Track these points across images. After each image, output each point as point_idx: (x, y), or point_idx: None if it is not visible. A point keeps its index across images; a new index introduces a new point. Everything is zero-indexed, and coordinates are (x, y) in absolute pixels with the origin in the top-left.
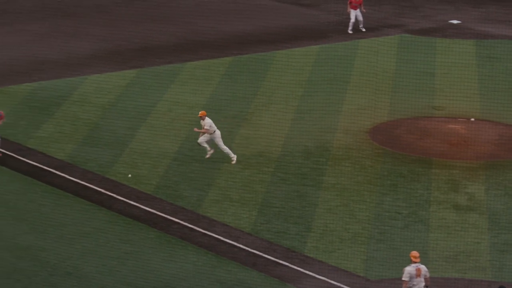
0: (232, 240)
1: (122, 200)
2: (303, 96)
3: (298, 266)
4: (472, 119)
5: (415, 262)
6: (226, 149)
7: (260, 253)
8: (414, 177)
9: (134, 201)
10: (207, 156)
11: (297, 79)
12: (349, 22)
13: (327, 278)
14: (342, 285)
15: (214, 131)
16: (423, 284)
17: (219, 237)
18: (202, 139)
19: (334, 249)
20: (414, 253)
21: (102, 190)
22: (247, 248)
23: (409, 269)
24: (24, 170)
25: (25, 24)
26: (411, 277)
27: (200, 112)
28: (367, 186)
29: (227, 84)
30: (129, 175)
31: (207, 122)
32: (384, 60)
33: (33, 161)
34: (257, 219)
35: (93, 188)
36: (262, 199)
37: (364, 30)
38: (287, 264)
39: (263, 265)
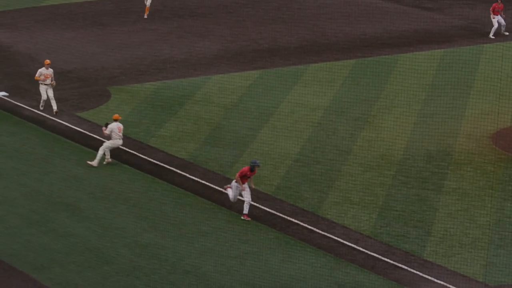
0: (351, 243)
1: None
2: (426, 100)
3: (417, 270)
4: None
5: None
6: (102, 154)
7: (379, 256)
8: None
9: (254, 201)
10: (104, 162)
11: (420, 83)
12: (491, 28)
13: (446, 282)
14: None
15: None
16: None
17: (338, 239)
18: (106, 146)
19: (454, 254)
20: None
21: (223, 190)
22: (366, 251)
23: None
24: (146, 169)
25: (149, 23)
26: None
27: (114, 116)
28: (488, 192)
29: (350, 87)
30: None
31: (110, 127)
32: (509, 65)
33: (155, 160)
34: (377, 222)
35: (214, 188)
36: (382, 202)
37: (507, 33)
38: (406, 267)
39: (382, 268)
